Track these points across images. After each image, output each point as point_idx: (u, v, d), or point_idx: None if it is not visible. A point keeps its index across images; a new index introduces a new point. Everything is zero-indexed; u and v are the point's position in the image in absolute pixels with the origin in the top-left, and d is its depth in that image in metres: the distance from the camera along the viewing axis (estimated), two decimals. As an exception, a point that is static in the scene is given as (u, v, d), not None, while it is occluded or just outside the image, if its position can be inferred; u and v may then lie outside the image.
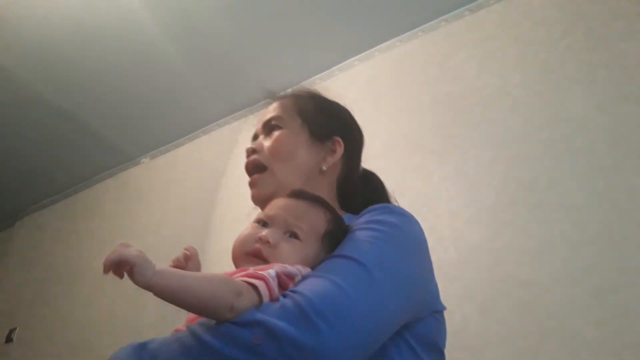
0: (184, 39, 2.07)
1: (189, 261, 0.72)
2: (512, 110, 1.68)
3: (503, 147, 1.63)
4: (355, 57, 2.17)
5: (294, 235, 0.69)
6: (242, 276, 0.57)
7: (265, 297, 0.55)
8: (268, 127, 0.92)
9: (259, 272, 0.58)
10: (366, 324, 0.55)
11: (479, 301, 1.44)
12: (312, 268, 0.64)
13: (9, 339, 2.54)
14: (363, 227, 0.69)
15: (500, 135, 1.66)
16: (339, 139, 0.93)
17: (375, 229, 0.68)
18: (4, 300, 2.73)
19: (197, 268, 0.72)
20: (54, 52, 2.09)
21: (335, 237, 0.70)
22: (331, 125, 0.95)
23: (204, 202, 2.27)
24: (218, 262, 2.11)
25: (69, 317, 2.41)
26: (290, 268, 0.61)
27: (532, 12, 1.80)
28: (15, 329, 2.56)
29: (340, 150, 0.93)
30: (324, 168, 0.90)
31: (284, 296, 0.56)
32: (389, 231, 0.68)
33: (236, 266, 0.68)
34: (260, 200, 0.86)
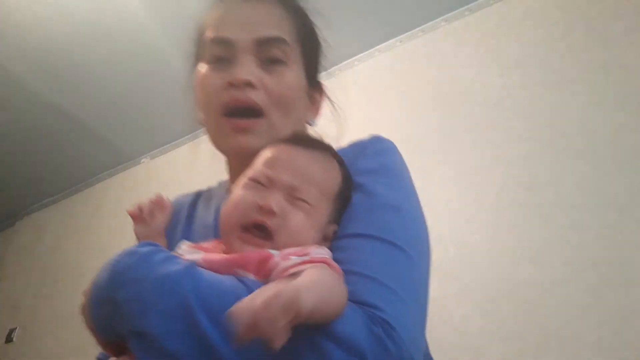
0: (184, 39, 2.07)
1: (155, 215, 0.70)
2: (512, 110, 1.68)
3: (503, 147, 1.63)
4: (356, 57, 2.17)
5: (302, 200, 0.56)
6: (305, 262, 0.49)
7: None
8: (267, 54, 0.69)
9: (318, 257, 0.51)
10: (422, 328, 0.55)
11: (479, 301, 1.44)
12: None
13: (9, 339, 2.54)
14: (370, 183, 0.61)
15: (500, 135, 1.66)
16: (323, 86, 0.80)
17: (383, 183, 0.61)
18: (4, 300, 2.73)
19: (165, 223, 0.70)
20: (54, 53, 2.09)
21: (346, 197, 0.60)
22: (320, 63, 0.79)
23: (204, 202, 2.27)
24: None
25: (69, 317, 2.41)
26: (328, 258, 0.53)
27: (532, 12, 1.80)
28: (15, 329, 2.56)
29: (321, 100, 0.79)
30: (311, 123, 0.76)
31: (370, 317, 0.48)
32: (396, 184, 0.63)
33: (227, 239, 0.57)
34: (251, 153, 0.65)
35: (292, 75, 0.70)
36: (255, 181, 0.58)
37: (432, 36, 2.01)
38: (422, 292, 0.57)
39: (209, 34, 0.71)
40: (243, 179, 0.60)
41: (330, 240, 0.58)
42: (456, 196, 1.64)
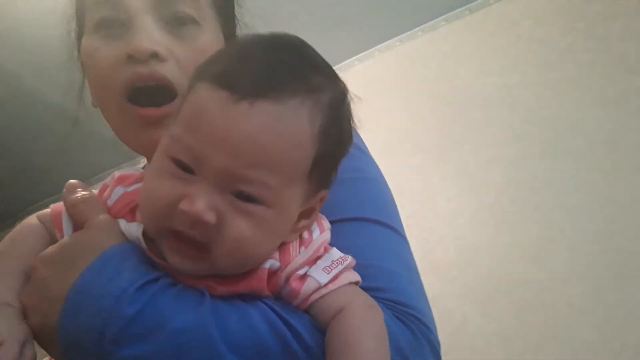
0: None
1: None
2: (512, 110, 1.68)
3: (503, 147, 1.63)
4: (355, 57, 2.17)
5: (248, 199, 0.38)
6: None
7: None
8: (171, 11, 0.54)
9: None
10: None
11: (479, 301, 1.44)
12: None
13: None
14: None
15: (500, 135, 1.66)
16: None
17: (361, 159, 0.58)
18: (4, 300, 2.73)
19: None
20: (55, 51, 2.08)
21: (335, 153, 0.45)
22: (235, 15, 0.67)
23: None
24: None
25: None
26: (351, 260, 0.45)
27: (532, 12, 1.80)
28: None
29: None
30: None
31: (409, 324, 0.46)
32: (368, 168, 0.59)
33: (153, 234, 0.42)
34: None
35: (208, 38, 0.56)
36: (175, 161, 0.39)
37: (432, 36, 2.01)
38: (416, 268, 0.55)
39: None
40: (158, 154, 0.43)
41: (319, 208, 0.46)
42: (456, 196, 1.64)
